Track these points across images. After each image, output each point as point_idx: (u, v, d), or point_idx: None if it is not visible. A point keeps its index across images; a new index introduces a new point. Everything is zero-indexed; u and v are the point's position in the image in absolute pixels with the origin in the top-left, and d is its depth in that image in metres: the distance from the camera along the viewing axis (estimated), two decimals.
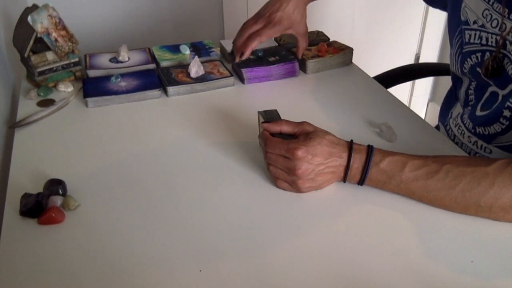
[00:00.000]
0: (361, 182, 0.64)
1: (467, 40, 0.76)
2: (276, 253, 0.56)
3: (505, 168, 0.58)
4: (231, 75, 0.97)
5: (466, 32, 0.75)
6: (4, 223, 0.60)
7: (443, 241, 0.58)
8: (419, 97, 2.12)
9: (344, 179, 0.65)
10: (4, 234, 0.58)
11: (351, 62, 1.07)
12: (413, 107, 1.96)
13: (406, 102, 2.06)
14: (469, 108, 0.80)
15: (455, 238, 0.58)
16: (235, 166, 0.71)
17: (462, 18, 0.77)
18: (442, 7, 0.88)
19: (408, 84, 2.07)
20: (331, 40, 1.12)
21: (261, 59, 1.01)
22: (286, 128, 0.66)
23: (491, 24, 0.70)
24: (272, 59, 1.01)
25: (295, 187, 0.64)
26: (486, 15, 0.71)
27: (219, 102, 0.91)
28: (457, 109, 0.87)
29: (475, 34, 0.74)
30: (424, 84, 2.09)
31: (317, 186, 0.65)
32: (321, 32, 1.16)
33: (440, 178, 0.60)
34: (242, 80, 0.98)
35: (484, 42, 0.72)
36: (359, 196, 0.65)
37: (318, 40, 1.12)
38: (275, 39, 1.13)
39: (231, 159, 0.73)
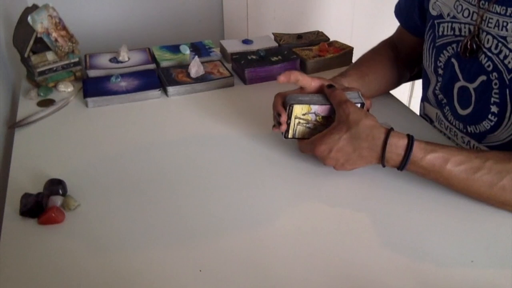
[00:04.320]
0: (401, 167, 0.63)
1: (440, 33, 0.76)
2: (276, 253, 0.56)
3: None
4: (231, 75, 0.97)
5: (441, 25, 0.76)
6: (4, 223, 0.60)
7: (443, 241, 0.58)
8: (419, 97, 2.11)
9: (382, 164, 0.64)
10: (4, 234, 0.58)
11: (351, 62, 1.07)
12: (413, 107, 1.95)
13: (406, 102, 2.06)
14: (447, 108, 0.80)
15: (455, 238, 0.58)
16: (235, 166, 0.71)
17: (433, 13, 0.77)
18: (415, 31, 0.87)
19: (408, 84, 2.07)
20: (331, 40, 1.12)
21: (263, 58, 1.01)
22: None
23: (462, 14, 0.71)
24: (274, 58, 1.01)
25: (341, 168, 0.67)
26: (457, 6, 0.72)
27: (219, 102, 0.91)
28: (431, 110, 0.86)
29: (448, 26, 0.74)
30: None
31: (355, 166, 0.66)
32: (321, 32, 1.16)
33: (482, 175, 0.60)
34: (244, 80, 0.98)
35: (457, 33, 0.73)
36: (360, 196, 0.65)
37: (318, 40, 1.12)
38: (276, 40, 1.13)
39: (230, 159, 0.73)
